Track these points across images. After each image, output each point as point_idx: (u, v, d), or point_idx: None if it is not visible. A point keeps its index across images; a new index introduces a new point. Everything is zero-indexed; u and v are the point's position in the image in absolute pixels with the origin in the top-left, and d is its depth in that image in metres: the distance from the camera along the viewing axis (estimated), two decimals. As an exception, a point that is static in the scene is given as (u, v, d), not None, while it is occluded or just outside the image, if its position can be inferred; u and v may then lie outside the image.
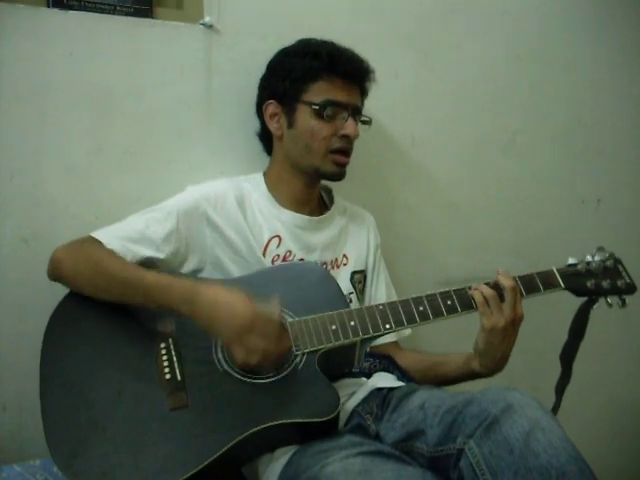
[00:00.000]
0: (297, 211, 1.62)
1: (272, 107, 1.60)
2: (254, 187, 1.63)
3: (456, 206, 2.13)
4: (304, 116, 1.56)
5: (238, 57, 1.70)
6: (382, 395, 1.48)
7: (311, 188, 1.66)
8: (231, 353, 1.29)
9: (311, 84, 1.55)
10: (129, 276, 1.34)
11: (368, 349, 1.55)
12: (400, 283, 1.80)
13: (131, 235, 1.44)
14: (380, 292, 1.71)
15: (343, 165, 1.59)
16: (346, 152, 1.58)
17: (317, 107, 1.54)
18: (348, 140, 1.57)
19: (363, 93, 1.65)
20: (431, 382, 1.53)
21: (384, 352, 1.64)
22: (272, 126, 1.61)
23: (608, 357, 2.43)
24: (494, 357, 1.44)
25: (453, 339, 1.68)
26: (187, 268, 1.51)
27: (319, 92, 1.55)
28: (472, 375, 1.52)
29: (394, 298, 1.72)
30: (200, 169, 1.71)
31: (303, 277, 1.48)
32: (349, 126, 1.56)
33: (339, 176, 1.61)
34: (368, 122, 1.65)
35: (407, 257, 2.04)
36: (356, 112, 1.60)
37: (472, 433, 1.18)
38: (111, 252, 1.38)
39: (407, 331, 1.71)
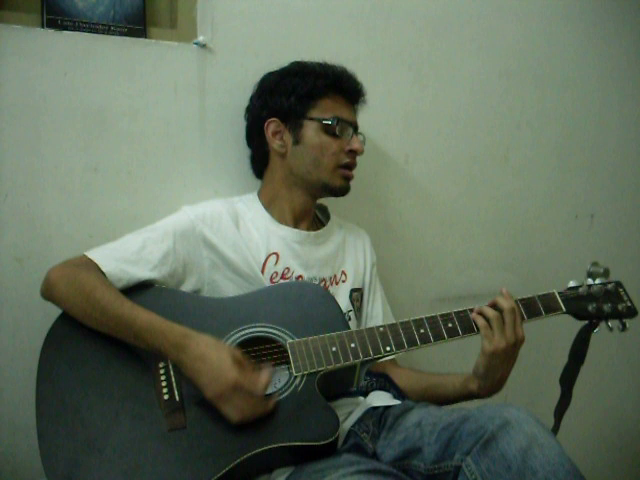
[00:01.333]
0: (295, 227, 1.63)
1: (274, 125, 1.61)
2: (249, 207, 1.63)
3: (451, 223, 2.13)
4: (312, 132, 1.58)
5: (231, 76, 1.71)
6: (378, 414, 1.47)
7: (310, 204, 1.67)
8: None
9: (319, 101, 1.58)
10: (122, 314, 1.30)
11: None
12: (396, 299, 1.80)
13: (127, 256, 1.42)
14: (377, 310, 1.71)
15: (350, 179, 1.63)
16: (352, 167, 1.62)
17: (329, 123, 1.56)
18: (354, 155, 1.61)
19: (356, 113, 1.69)
20: (427, 401, 1.51)
21: (381, 370, 1.64)
22: (275, 144, 1.61)
23: (605, 373, 2.43)
24: (493, 379, 1.44)
25: (450, 355, 1.68)
26: (185, 289, 1.50)
27: (326, 109, 1.58)
28: (469, 396, 1.51)
29: (390, 315, 1.73)
30: (194, 188, 1.71)
31: (302, 296, 1.47)
32: (355, 142, 1.60)
33: (346, 190, 1.64)
34: (363, 140, 1.67)
35: (402, 274, 2.04)
36: (357, 130, 1.65)
37: (469, 450, 1.17)
38: (105, 280, 1.36)
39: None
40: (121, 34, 1.63)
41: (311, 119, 1.58)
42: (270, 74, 1.65)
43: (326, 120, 1.57)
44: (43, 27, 1.55)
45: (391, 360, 1.69)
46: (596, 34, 2.33)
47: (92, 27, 1.60)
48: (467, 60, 2.11)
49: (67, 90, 1.57)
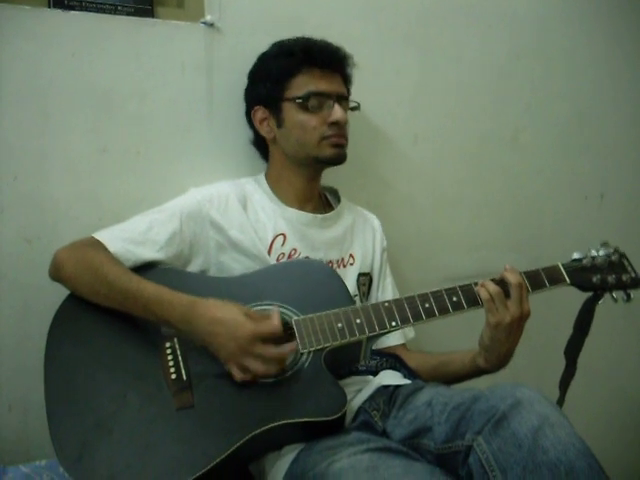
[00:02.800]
0: (301, 209, 1.62)
1: (260, 113, 1.62)
2: (256, 188, 1.63)
3: (459, 204, 2.13)
4: (291, 113, 1.57)
5: (239, 56, 1.69)
6: (389, 392, 1.47)
7: (313, 183, 1.66)
8: (229, 370, 1.29)
9: (292, 80, 1.57)
10: (129, 287, 1.32)
11: (374, 347, 1.55)
12: (405, 281, 1.80)
13: (134, 237, 1.43)
14: (387, 296, 1.70)
15: (341, 146, 1.59)
16: (339, 137, 1.58)
17: (301, 100, 1.55)
18: (339, 126, 1.57)
19: (346, 80, 1.66)
20: (437, 381, 1.52)
21: (391, 352, 1.64)
22: (263, 131, 1.63)
23: (613, 350, 2.43)
24: (499, 353, 1.44)
25: (459, 335, 1.68)
26: (191, 269, 1.50)
27: (300, 86, 1.56)
28: (477, 372, 1.51)
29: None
30: (202, 168, 1.71)
31: (308, 274, 1.47)
32: (336, 112, 1.56)
33: (339, 157, 1.60)
34: (357, 107, 1.66)
35: (411, 255, 2.03)
36: (341, 99, 1.60)
37: (480, 429, 1.17)
38: (112, 257, 1.37)
39: (411, 333, 1.72)
40: (128, 14, 1.62)
41: (288, 100, 1.57)
42: (257, 59, 1.65)
43: (299, 98, 1.55)
44: (50, 7, 1.54)
45: (402, 345, 1.70)
46: (607, 12, 2.31)
47: (99, 7, 1.59)
48: (476, 40, 2.09)
49: (75, 71, 1.56)
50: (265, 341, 1.26)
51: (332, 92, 1.58)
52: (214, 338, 1.27)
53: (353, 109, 1.67)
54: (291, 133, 1.58)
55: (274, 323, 1.27)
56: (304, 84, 1.56)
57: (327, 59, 1.59)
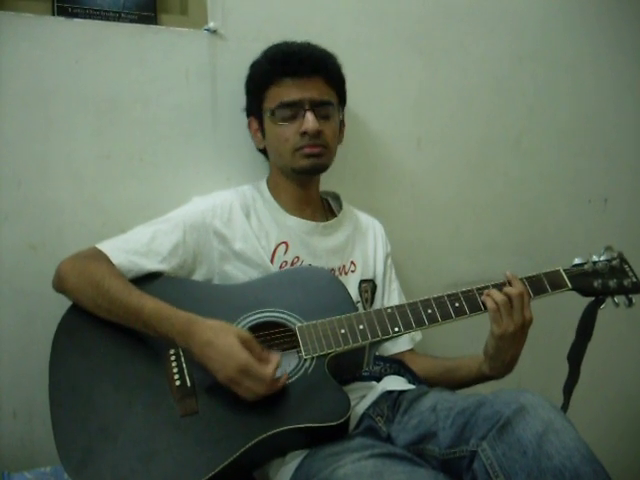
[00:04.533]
0: (301, 217, 1.62)
1: (253, 123, 1.64)
2: (258, 195, 1.63)
3: (463, 207, 2.13)
4: (268, 124, 1.58)
5: (243, 62, 1.69)
6: (393, 398, 1.47)
7: (308, 190, 1.65)
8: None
9: (266, 92, 1.58)
10: (130, 302, 1.31)
11: (377, 353, 1.55)
12: (410, 285, 1.80)
13: (137, 248, 1.43)
14: (393, 302, 1.69)
15: (315, 155, 1.55)
16: (312, 147, 1.54)
17: (270, 113, 1.55)
18: (313, 135, 1.53)
19: (331, 83, 1.60)
20: (444, 386, 1.52)
21: (398, 358, 1.64)
22: (255, 141, 1.65)
23: (616, 355, 2.43)
24: (504, 360, 1.44)
25: (465, 340, 1.68)
26: (195, 278, 1.50)
27: (274, 97, 1.56)
28: (483, 378, 1.52)
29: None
30: (206, 174, 1.72)
31: (311, 281, 1.48)
32: (307, 121, 1.52)
33: (314, 168, 1.57)
34: (335, 111, 1.59)
35: (415, 260, 2.03)
36: (316, 105, 1.55)
37: (485, 435, 1.17)
38: (114, 270, 1.37)
39: (418, 336, 1.72)
40: (132, 21, 1.62)
41: (265, 111, 1.58)
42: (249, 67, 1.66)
43: (271, 110, 1.55)
44: (54, 15, 1.55)
45: (410, 350, 1.70)
46: (610, 16, 2.31)
47: (103, 14, 1.60)
48: (479, 43, 2.09)
49: (78, 78, 1.57)
50: (254, 375, 1.24)
51: (303, 100, 1.53)
52: (207, 361, 1.26)
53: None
54: (271, 144, 1.60)
55: (268, 370, 1.24)
56: (276, 95, 1.55)
57: (299, 65, 1.54)
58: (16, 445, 1.57)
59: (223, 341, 1.25)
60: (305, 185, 1.64)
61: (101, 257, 1.39)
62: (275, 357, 1.27)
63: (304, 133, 1.53)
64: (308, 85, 1.55)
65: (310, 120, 1.52)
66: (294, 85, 1.54)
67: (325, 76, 1.59)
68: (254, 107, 1.62)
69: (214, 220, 1.52)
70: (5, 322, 1.55)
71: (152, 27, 1.64)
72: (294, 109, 1.54)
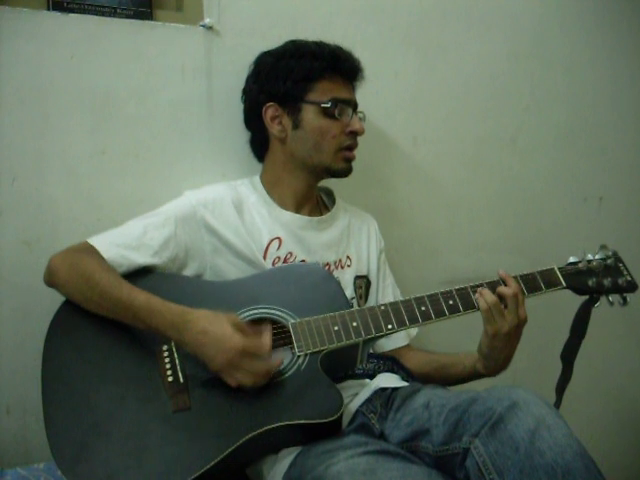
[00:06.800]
0: (297, 212, 1.62)
1: (272, 110, 1.58)
2: (251, 190, 1.63)
3: (458, 206, 2.13)
4: (311, 116, 1.56)
5: (238, 58, 1.69)
6: (386, 395, 1.47)
7: (313, 188, 1.66)
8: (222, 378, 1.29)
9: (316, 84, 1.56)
10: (120, 295, 1.31)
11: (371, 350, 1.55)
12: (404, 284, 1.80)
13: (128, 242, 1.42)
14: (387, 297, 1.70)
15: (351, 160, 1.62)
16: (353, 148, 1.61)
17: (327, 106, 1.55)
18: (355, 136, 1.60)
19: (354, 90, 1.67)
20: (438, 382, 1.53)
21: (395, 354, 1.64)
22: (274, 129, 1.59)
23: (610, 353, 2.43)
24: (497, 359, 1.45)
25: (461, 338, 1.68)
26: (187, 273, 1.50)
27: (324, 91, 1.56)
28: (477, 376, 1.53)
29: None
30: (202, 171, 1.71)
31: (304, 278, 1.48)
32: (356, 122, 1.58)
33: (348, 172, 1.63)
34: (363, 118, 1.65)
35: (410, 257, 2.04)
36: (356, 109, 1.62)
37: (477, 432, 1.18)
38: (105, 264, 1.37)
39: (414, 331, 1.72)
40: (127, 17, 1.62)
41: (309, 102, 1.56)
42: (265, 54, 1.63)
43: (324, 103, 1.55)
44: (49, 10, 1.54)
45: (406, 346, 1.70)
46: (606, 14, 2.31)
47: (98, 10, 1.59)
48: (475, 42, 2.09)
49: (74, 73, 1.57)
50: (253, 355, 1.26)
51: (351, 101, 1.60)
52: (203, 349, 1.27)
53: (359, 119, 1.65)
54: (308, 136, 1.57)
55: (264, 342, 1.28)
56: (328, 90, 1.56)
57: (349, 68, 1.61)
58: (9, 441, 1.57)
59: (217, 327, 1.26)
60: (315, 183, 1.66)
61: (92, 251, 1.39)
62: (266, 329, 1.29)
63: (351, 133, 1.58)
64: (351, 88, 1.64)
65: (359, 122, 1.59)
66: (344, 85, 1.60)
67: (355, 83, 1.66)
68: (285, 94, 1.56)
69: (205, 214, 1.51)
70: (-1, 318, 1.55)
71: (148, 23, 1.63)
72: (342, 109, 1.57)
